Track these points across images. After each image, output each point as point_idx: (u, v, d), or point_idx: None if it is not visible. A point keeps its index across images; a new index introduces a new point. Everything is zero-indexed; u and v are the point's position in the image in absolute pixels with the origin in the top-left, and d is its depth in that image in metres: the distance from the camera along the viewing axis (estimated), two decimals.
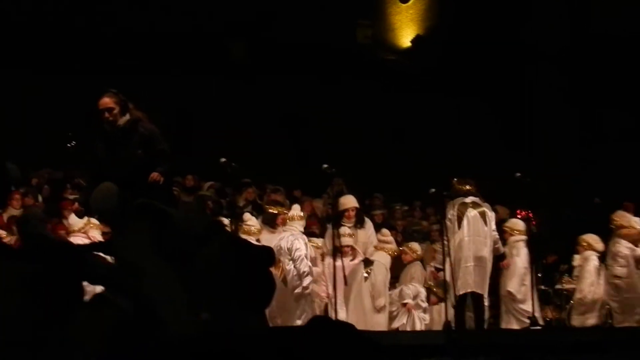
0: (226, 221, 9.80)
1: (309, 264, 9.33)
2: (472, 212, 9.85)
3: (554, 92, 16.75)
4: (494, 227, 9.94)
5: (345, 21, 16.76)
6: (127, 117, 6.88)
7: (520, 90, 16.77)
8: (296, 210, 9.88)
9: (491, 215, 10.02)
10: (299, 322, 9.05)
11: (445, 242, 9.39)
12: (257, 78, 15.64)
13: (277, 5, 15.88)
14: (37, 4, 14.36)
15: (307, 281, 9.23)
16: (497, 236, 9.96)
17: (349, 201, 10.52)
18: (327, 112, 16.17)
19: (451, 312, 9.09)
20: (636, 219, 11.07)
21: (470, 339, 8.48)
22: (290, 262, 9.21)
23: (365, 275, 9.79)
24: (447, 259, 9.32)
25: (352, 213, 10.36)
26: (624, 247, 10.37)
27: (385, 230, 10.46)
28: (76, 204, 9.07)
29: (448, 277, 9.27)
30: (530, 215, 10.42)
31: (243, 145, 14.53)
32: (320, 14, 15.90)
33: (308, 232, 10.74)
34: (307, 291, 9.28)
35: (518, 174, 9.66)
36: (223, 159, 8.49)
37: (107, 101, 6.88)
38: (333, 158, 9.28)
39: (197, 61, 15.25)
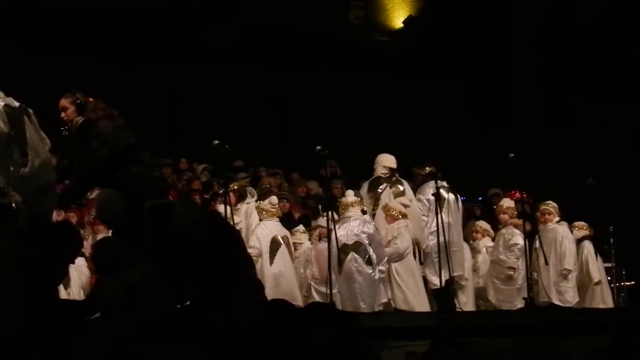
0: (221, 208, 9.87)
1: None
2: (451, 196, 9.98)
3: (535, 75, 16.72)
4: None
5: (337, 2, 16.66)
6: (82, 118, 6.83)
7: (505, 72, 16.70)
8: (351, 195, 9.76)
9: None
10: (377, 307, 9.12)
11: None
12: (247, 60, 15.56)
13: None
14: None
15: (385, 266, 9.32)
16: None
17: (382, 159, 10.32)
18: (317, 94, 16.12)
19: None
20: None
21: (463, 320, 8.49)
22: (370, 247, 9.23)
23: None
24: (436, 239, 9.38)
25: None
26: (519, 237, 10.19)
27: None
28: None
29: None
30: (525, 196, 10.39)
31: (233, 127, 14.49)
32: None
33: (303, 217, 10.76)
34: (383, 275, 9.31)
35: (511, 155, 9.63)
36: (216, 141, 8.46)
37: (62, 102, 6.90)
38: (323, 139, 9.25)
39: (182, 44, 15.17)
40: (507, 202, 10.93)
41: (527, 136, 16.07)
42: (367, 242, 9.17)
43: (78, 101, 6.85)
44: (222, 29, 15.49)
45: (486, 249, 10.98)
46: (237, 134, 13.13)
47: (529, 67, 16.75)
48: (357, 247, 9.08)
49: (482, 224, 11.29)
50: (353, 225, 9.21)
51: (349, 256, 8.98)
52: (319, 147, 8.85)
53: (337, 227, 9.04)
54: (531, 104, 16.69)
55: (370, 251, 9.16)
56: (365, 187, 10.14)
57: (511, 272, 10.32)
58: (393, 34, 17.31)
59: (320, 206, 11.14)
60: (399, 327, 7.52)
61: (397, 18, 17.35)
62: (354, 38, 16.62)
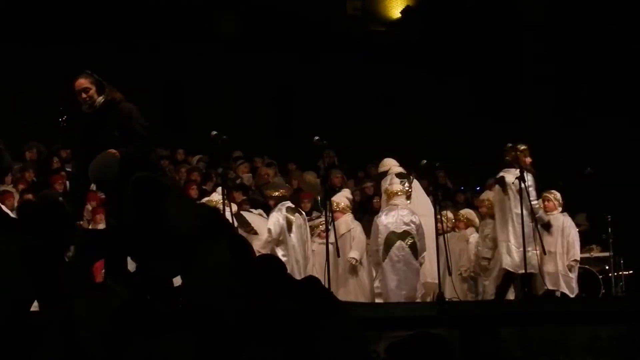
0: (218, 196, 9.83)
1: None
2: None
3: (539, 64, 16.68)
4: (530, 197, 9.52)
5: None
6: (103, 97, 6.69)
7: (506, 60, 16.67)
8: (397, 184, 9.83)
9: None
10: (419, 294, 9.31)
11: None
12: (247, 50, 15.53)
13: None
14: None
15: (424, 259, 9.47)
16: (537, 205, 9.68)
17: (388, 162, 10.45)
18: (316, 84, 16.09)
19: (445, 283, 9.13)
20: None
21: (462, 310, 8.49)
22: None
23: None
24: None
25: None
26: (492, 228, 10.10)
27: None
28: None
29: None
30: None
31: (234, 118, 14.47)
32: None
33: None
34: (420, 267, 9.46)
35: (509, 145, 9.61)
36: (214, 132, 8.43)
37: (82, 82, 6.68)
38: (323, 130, 9.24)
39: (185, 33, 15.13)
40: (487, 194, 10.86)
41: (528, 126, 16.06)
42: (415, 232, 9.28)
43: (98, 81, 6.71)
44: (225, 18, 15.46)
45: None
46: (236, 124, 13.14)
47: (531, 58, 16.73)
48: (406, 236, 9.24)
49: (466, 213, 11.24)
50: (402, 214, 9.34)
51: (397, 243, 9.15)
52: (316, 138, 8.85)
53: (384, 214, 9.31)
54: (533, 94, 16.66)
55: (418, 242, 9.31)
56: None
57: (485, 263, 10.30)
58: (391, 24, 17.28)
59: (319, 198, 11.08)
60: (398, 316, 7.53)
61: (395, 8, 17.33)
62: (352, 28, 16.57)
